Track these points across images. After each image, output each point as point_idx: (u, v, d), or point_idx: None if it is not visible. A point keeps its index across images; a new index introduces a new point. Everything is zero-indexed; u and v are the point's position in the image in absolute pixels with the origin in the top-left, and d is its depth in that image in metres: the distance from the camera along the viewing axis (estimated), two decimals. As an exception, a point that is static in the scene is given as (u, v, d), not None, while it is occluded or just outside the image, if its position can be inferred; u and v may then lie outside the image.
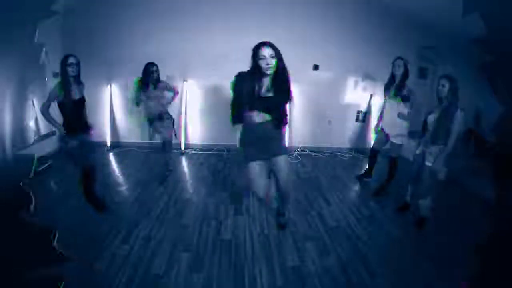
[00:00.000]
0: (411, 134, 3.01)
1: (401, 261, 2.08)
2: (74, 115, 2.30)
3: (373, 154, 3.29)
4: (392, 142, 2.98)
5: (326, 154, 4.54)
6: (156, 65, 3.00)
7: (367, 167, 3.45)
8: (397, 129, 2.88)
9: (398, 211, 2.73)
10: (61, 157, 2.96)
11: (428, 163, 2.33)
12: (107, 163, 3.78)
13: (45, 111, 2.22)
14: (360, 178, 3.48)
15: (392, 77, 2.86)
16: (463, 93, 2.33)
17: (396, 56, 2.85)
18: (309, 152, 4.52)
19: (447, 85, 2.22)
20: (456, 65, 4.33)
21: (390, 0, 3.94)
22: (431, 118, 2.35)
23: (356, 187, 3.36)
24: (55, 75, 3.52)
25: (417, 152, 2.49)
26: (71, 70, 2.21)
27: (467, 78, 3.05)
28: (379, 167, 3.36)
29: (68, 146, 2.29)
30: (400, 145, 2.94)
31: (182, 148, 4.31)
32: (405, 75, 2.77)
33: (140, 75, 3.00)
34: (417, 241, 2.34)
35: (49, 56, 3.55)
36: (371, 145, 3.48)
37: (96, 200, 2.48)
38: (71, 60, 2.21)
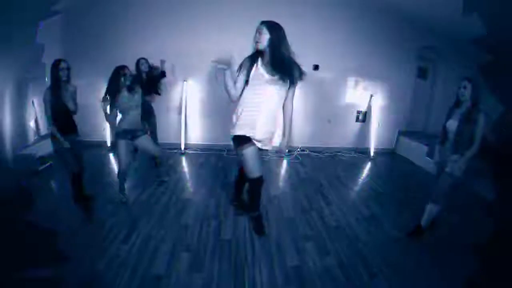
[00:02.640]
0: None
1: (401, 261, 2.08)
2: (64, 117, 2.35)
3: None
4: None
5: (326, 154, 4.54)
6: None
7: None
8: None
9: (410, 236, 2.37)
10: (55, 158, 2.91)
11: (452, 172, 2.15)
12: (107, 163, 3.78)
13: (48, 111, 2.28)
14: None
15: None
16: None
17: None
18: (309, 152, 4.52)
19: (469, 87, 2.06)
20: (455, 65, 4.33)
21: (390, 0, 3.94)
22: (451, 124, 2.17)
23: (356, 187, 3.36)
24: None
25: (434, 162, 2.30)
26: (62, 75, 2.26)
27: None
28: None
29: (60, 146, 2.32)
30: None
31: (182, 148, 4.31)
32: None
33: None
34: (417, 241, 2.33)
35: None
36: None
37: (84, 201, 2.55)
38: (63, 65, 2.26)
